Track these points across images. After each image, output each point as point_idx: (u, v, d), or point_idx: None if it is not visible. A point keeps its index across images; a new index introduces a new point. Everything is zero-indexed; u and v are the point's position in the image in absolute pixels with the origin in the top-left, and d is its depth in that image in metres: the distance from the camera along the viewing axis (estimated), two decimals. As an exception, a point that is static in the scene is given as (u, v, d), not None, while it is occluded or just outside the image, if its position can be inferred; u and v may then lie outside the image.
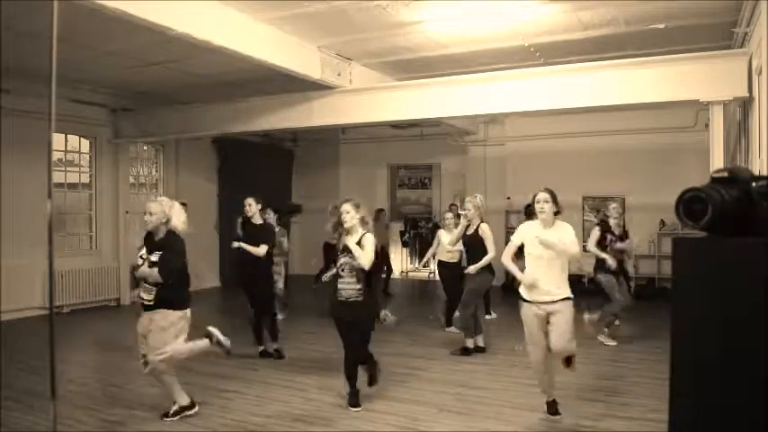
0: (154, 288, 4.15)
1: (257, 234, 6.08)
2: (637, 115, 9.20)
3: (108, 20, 5.01)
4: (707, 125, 6.27)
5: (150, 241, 4.25)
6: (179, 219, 4.26)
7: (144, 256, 4.21)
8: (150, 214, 4.20)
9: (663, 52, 6.39)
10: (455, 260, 7.03)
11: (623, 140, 10.03)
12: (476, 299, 6.30)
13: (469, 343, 6.21)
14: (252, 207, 6.16)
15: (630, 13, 6.05)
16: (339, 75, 7.48)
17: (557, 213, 4.18)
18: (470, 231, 6.17)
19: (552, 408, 4.29)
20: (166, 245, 4.19)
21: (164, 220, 4.21)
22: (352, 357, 4.53)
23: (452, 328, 7.15)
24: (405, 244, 12.67)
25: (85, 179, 9.73)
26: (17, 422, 4.24)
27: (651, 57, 6.34)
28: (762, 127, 4.94)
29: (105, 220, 9.70)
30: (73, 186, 9.63)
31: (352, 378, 4.57)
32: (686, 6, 5.80)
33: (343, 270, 4.45)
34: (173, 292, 4.18)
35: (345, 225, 4.44)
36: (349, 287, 4.42)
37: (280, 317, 8.11)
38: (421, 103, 7.40)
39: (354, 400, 4.56)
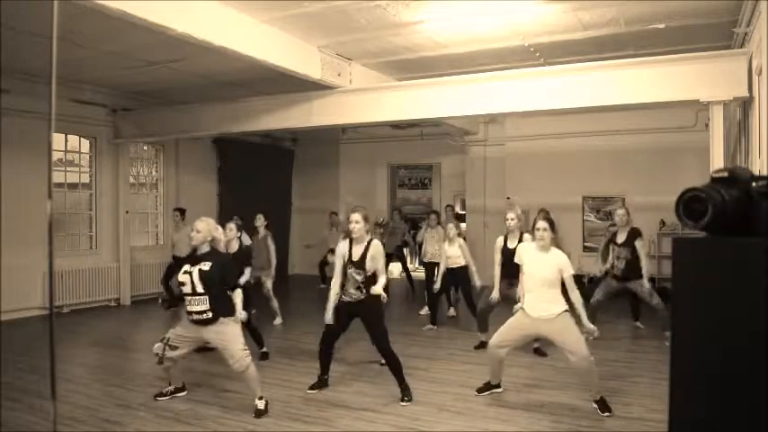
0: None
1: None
2: (637, 115, 9.19)
3: (108, 20, 5.01)
4: (707, 125, 6.26)
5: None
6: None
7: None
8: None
9: (663, 52, 6.38)
10: (457, 265, 7.32)
11: (623, 140, 10.02)
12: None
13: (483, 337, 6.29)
14: (232, 232, 5.91)
15: (630, 13, 6.05)
16: (339, 75, 7.48)
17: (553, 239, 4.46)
18: (512, 245, 5.73)
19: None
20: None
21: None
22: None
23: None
24: (405, 244, 12.64)
25: (85, 179, 9.73)
26: (17, 422, 4.24)
27: (651, 57, 6.33)
28: (762, 127, 4.94)
29: (105, 220, 9.71)
30: (73, 186, 9.64)
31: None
32: (686, 6, 5.81)
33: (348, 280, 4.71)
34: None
35: (353, 235, 4.66)
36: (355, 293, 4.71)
37: (276, 321, 8.01)
38: (421, 103, 7.38)
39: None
